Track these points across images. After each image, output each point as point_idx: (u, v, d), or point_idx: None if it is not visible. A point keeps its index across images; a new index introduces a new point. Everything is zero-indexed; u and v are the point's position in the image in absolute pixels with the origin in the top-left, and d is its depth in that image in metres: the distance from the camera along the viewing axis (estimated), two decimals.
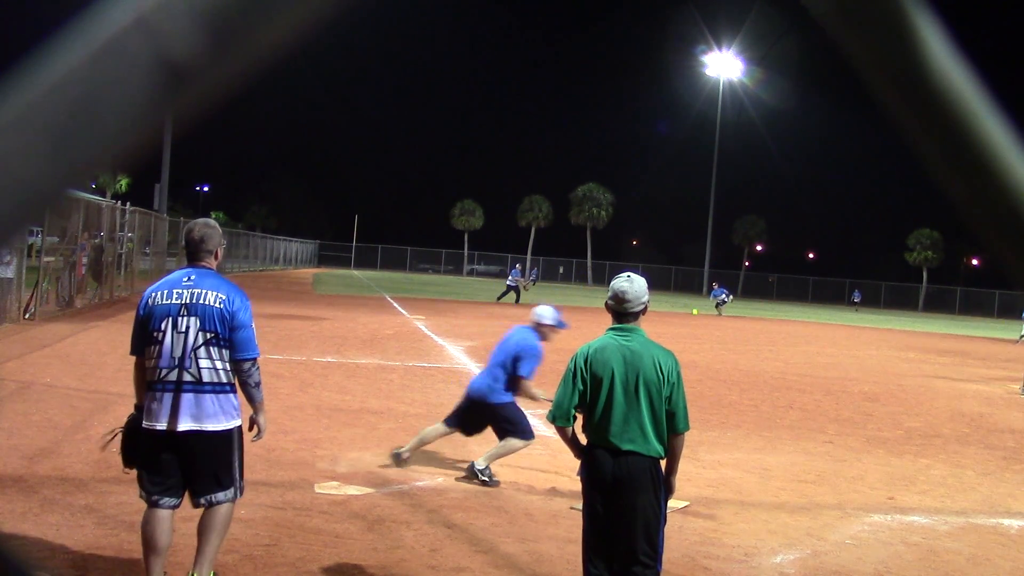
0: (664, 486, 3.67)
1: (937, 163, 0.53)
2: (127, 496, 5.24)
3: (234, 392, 3.98)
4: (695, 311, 22.14)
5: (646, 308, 3.81)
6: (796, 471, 7.47)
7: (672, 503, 4.23)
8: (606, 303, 3.81)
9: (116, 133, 0.45)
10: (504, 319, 23.66)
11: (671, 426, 3.63)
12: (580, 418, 3.77)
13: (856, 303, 61.25)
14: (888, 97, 0.52)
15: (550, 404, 3.85)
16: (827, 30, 0.52)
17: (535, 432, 6.61)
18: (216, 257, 4.10)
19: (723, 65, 66.89)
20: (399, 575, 4.47)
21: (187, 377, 3.84)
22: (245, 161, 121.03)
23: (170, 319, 3.86)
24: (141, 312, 3.96)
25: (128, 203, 22.32)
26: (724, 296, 35.51)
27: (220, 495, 3.94)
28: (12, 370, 9.71)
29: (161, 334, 3.86)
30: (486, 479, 6.22)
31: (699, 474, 6.96)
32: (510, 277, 34.54)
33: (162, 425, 3.83)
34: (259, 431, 4.12)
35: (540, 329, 6.52)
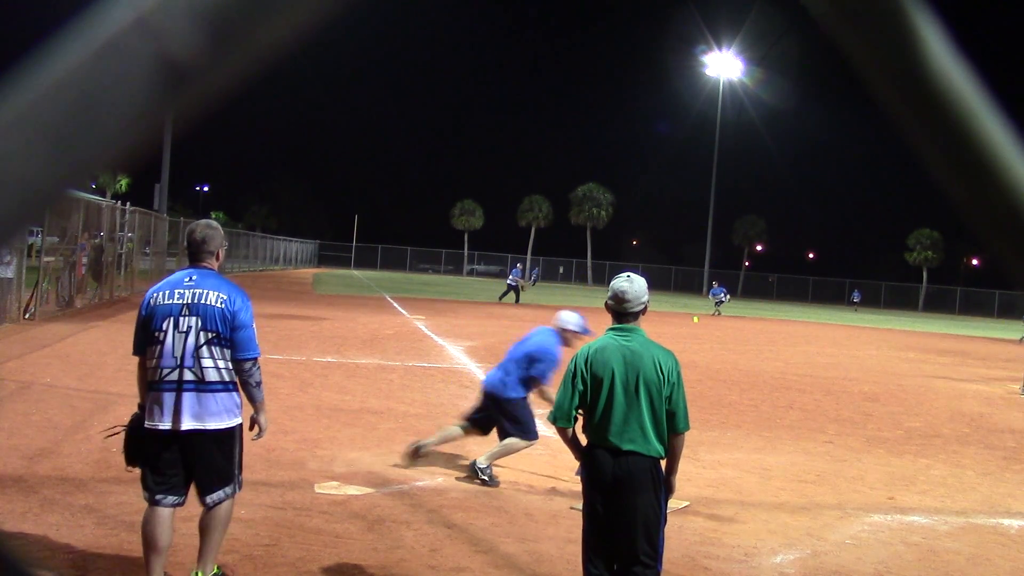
0: (664, 486, 3.67)
1: (937, 163, 0.53)
2: (127, 496, 5.25)
3: (236, 391, 4.02)
4: (695, 319, 22.14)
5: (646, 308, 3.81)
6: (796, 471, 7.47)
7: (672, 503, 4.23)
8: (606, 303, 3.81)
9: (116, 133, 0.45)
10: (504, 319, 23.67)
11: (671, 426, 3.63)
12: (580, 419, 3.77)
13: (856, 303, 61.23)
14: (888, 97, 0.52)
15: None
16: (827, 30, 0.52)
17: (538, 433, 6.61)
18: (217, 258, 4.14)
19: (723, 65, 66.87)
20: (399, 575, 4.47)
21: (189, 376, 3.87)
22: (245, 161, 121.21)
23: (171, 319, 3.90)
24: (143, 312, 4.00)
25: (128, 203, 22.32)
26: (723, 296, 35.55)
27: (222, 492, 4.00)
28: (12, 370, 9.71)
29: (163, 334, 3.89)
30: (486, 479, 6.22)
31: (699, 474, 6.96)
32: (510, 277, 34.55)
33: (165, 425, 3.86)
34: (260, 430, 4.16)
35: (564, 334, 6.47)
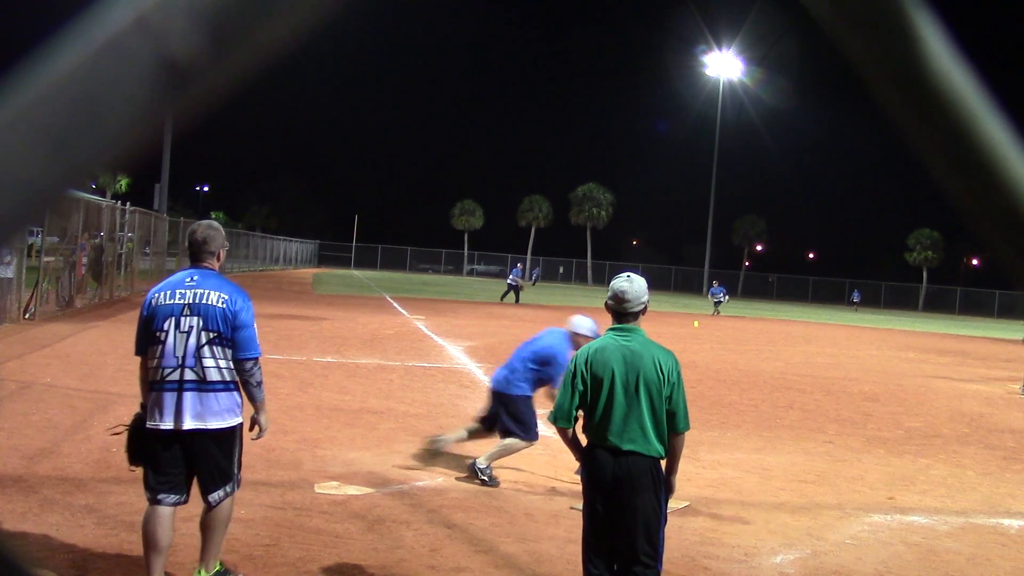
0: (664, 486, 3.67)
1: (937, 163, 0.53)
2: (127, 496, 5.25)
3: (237, 390, 4.05)
4: (696, 324, 22.17)
5: (646, 308, 3.81)
6: (796, 471, 7.47)
7: (672, 503, 4.23)
8: (606, 303, 3.81)
9: (116, 133, 0.45)
10: (504, 319, 23.67)
11: (671, 426, 3.63)
12: (581, 419, 3.77)
13: (856, 303, 61.23)
14: (888, 97, 0.52)
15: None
16: (827, 30, 0.52)
17: (538, 434, 6.61)
18: (218, 259, 4.17)
19: (723, 65, 66.87)
20: (399, 575, 4.47)
21: (190, 376, 3.90)
22: (245, 161, 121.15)
23: (173, 319, 3.93)
24: (144, 313, 4.03)
25: (128, 203, 22.32)
26: (722, 296, 35.58)
27: (222, 492, 4.03)
28: (12, 370, 9.71)
29: (164, 334, 3.92)
30: (486, 479, 6.22)
31: (699, 474, 6.96)
32: (511, 276, 34.57)
33: (167, 425, 3.89)
34: (260, 430, 4.18)
35: (576, 339, 6.44)
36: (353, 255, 76.33)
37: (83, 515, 4.93)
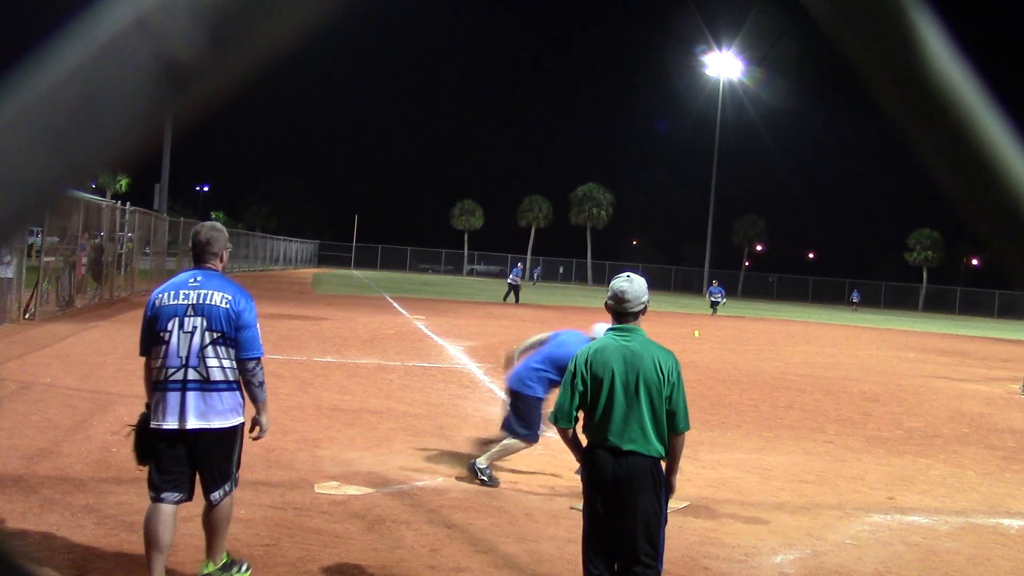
0: (665, 486, 3.67)
1: (937, 163, 0.53)
2: (127, 496, 5.25)
3: (239, 390, 4.09)
4: (696, 333, 22.19)
5: (646, 308, 3.81)
6: (796, 471, 7.47)
7: (672, 503, 4.22)
8: (606, 303, 3.81)
9: (116, 133, 0.45)
10: (504, 319, 23.67)
11: (671, 426, 3.63)
12: (581, 419, 3.77)
13: (855, 303, 61.20)
14: (888, 97, 0.52)
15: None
16: (827, 30, 0.52)
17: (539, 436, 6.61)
18: (221, 260, 4.22)
19: (723, 65, 66.84)
20: (399, 575, 4.47)
21: (193, 376, 3.94)
22: (245, 161, 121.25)
23: (177, 319, 3.97)
24: (148, 313, 4.07)
25: (128, 203, 22.32)
26: (720, 297, 35.60)
27: (222, 491, 4.07)
28: (12, 370, 9.71)
29: (168, 334, 3.96)
30: (485, 479, 6.22)
31: (699, 474, 6.96)
32: (511, 276, 34.58)
33: (170, 424, 3.93)
34: (261, 431, 4.20)
35: None
36: (353, 255, 76.33)
37: (83, 515, 4.93)
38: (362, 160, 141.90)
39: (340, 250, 77.65)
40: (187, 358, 3.93)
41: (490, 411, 9.27)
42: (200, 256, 4.16)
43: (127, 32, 0.44)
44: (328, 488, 5.86)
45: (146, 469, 4.07)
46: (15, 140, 0.44)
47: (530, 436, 6.44)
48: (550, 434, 6.04)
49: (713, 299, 35.72)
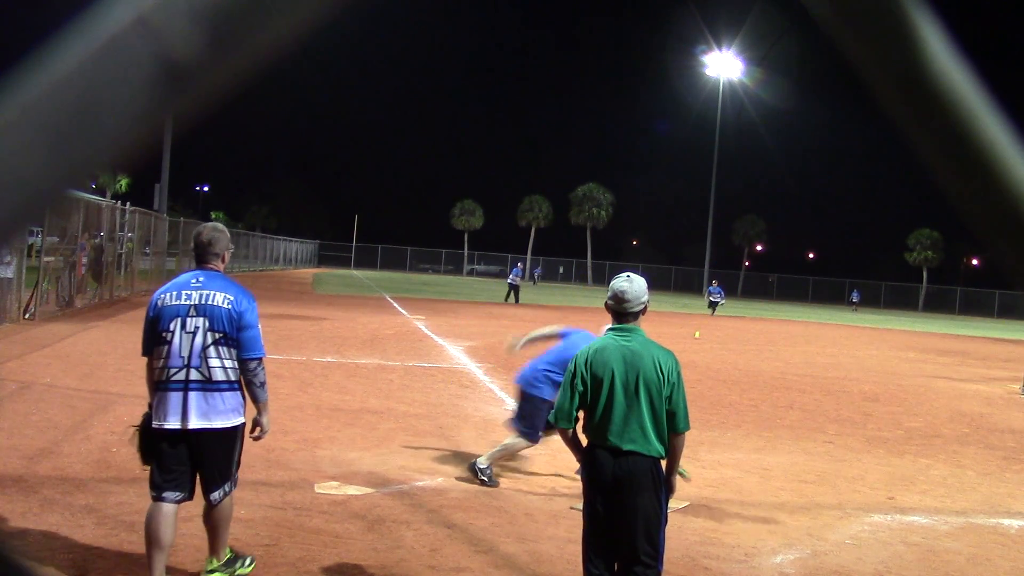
0: (665, 486, 3.67)
1: (938, 163, 0.53)
2: (127, 496, 5.25)
3: (241, 390, 4.12)
4: (696, 334, 22.19)
5: (646, 308, 3.81)
6: (796, 471, 7.46)
7: (672, 503, 4.22)
8: (606, 303, 3.82)
9: (116, 133, 0.45)
10: (504, 319, 23.66)
11: (671, 426, 3.63)
12: (581, 418, 3.78)
13: (855, 303, 61.18)
14: (888, 97, 0.52)
15: None
16: (827, 31, 0.52)
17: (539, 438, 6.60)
18: (223, 260, 4.25)
19: (723, 65, 66.76)
20: (399, 575, 4.47)
21: (195, 376, 3.96)
22: (245, 161, 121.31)
23: (179, 320, 3.99)
24: (150, 313, 4.09)
25: (128, 203, 22.32)
26: (719, 297, 35.61)
27: (222, 491, 4.09)
28: (12, 370, 9.71)
29: (170, 334, 3.98)
30: (485, 479, 6.21)
31: (699, 474, 6.95)
32: (511, 276, 34.59)
33: (172, 424, 3.95)
34: (262, 431, 4.21)
35: None
36: (353, 255, 76.34)
37: (83, 515, 4.93)
38: (362, 160, 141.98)
39: (340, 250, 77.65)
40: (189, 358, 3.95)
41: (490, 411, 9.27)
42: (202, 257, 4.18)
43: (127, 32, 0.44)
44: (328, 488, 5.86)
45: (148, 469, 4.09)
46: (15, 140, 0.44)
47: (532, 437, 6.43)
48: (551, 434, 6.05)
49: (712, 299, 35.76)
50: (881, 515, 6.27)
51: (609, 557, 3.63)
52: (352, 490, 5.86)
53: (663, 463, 3.66)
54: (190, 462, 4.02)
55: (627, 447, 3.57)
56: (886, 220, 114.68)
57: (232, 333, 4.00)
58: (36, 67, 0.44)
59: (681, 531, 5.36)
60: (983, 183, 0.53)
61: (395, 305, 26.87)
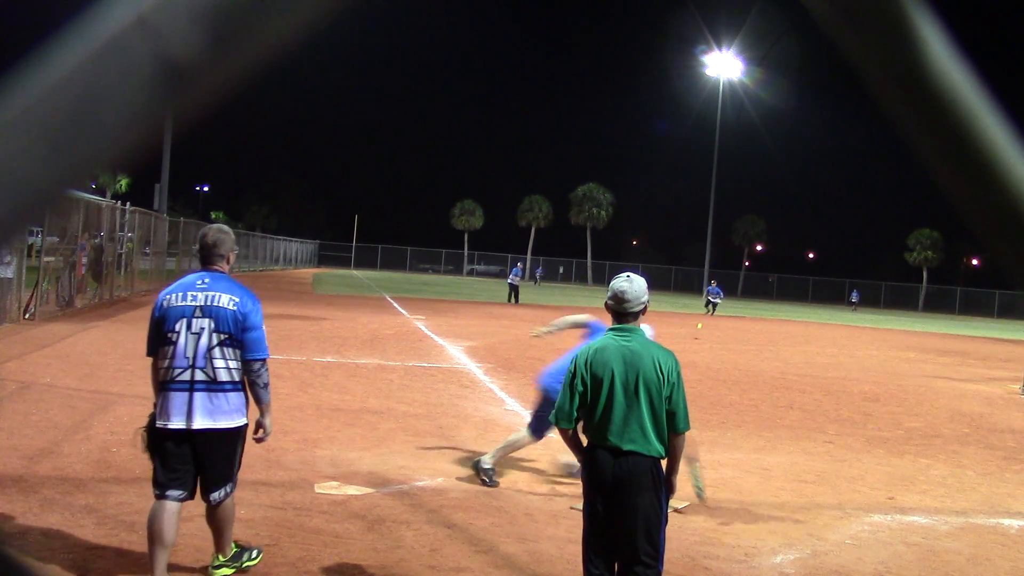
0: (665, 486, 3.67)
1: (937, 163, 0.53)
2: (127, 496, 5.25)
3: (244, 391, 4.14)
4: (699, 325, 22.20)
5: (646, 308, 3.81)
6: (796, 471, 7.46)
7: (672, 503, 4.23)
8: (606, 303, 3.82)
9: (116, 133, 0.45)
10: (504, 319, 23.67)
11: (671, 426, 3.63)
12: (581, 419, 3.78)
13: (854, 303, 61.17)
14: (888, 97, 0.52)
15: None
16: (827, 31, 0.52)
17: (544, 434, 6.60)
18: (228, 261, 4.27)
19: (723, 65, 66.73)
20: (399, 575, 4.47)
21: (200, 377, 3.98)
22: (245, 161, 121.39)
23: (184, 320, 4.02)
24: (156, 314, 4.12)
25: (128, 203, 22.32)
26: (717, 297, 35.64)
27: (223, 492, 4.12)
28: (12, 370, 9.71)
29: (175, 335, 4.01)
30: (486, 479, 6.21)
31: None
32: (511, 276, 34.58)
33: (176, 424, 3.97)
34: (265, 432, 4.23)
35: None
36: (353, 255, 76.33)
37: (83, 515, 4.93)
38: (362, 160, 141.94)
39: (340, 250, 77.65)
40: (194, 359, 3.97)
41: (490, 411, 9.27)
42: (207, 258, 4.21)
43: (127, 32, 0.44)
44: (328, 488, 5.86)
45: (149, 468, 4.10)
46: (15, 140, 0.44)
47: (538, 434, 6.41)
48: (551, 435, 6.05)
49: (711, 299, 35.81)
50: (881, 515, 6.27)
51: (609, 557, 3.63)
52: (352, 490, 5.86)
53: (663, 463, 3.66)
54: (193, 462, 4.04)
55: (627, 447, 3.57)
56: (886, 220, 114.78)
57: (237, 334, 4.03)
58: (36, 67, 0.44)
59: (681, 531, 5.36)
60: (983, 183, 0.53)
61: (395, 305, 26.87)
